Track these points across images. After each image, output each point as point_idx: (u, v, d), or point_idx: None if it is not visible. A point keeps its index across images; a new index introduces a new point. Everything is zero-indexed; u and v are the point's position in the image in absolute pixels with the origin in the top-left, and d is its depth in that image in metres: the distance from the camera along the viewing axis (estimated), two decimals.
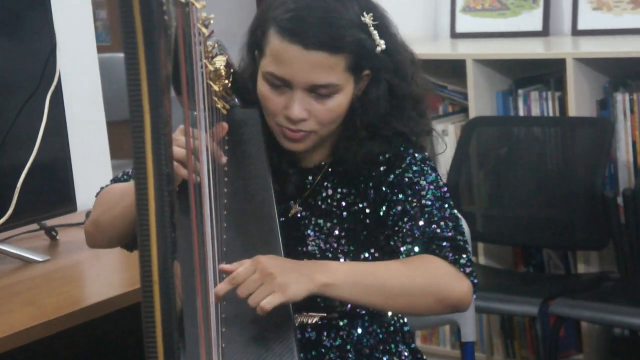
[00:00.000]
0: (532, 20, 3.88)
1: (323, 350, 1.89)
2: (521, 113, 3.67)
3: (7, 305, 2.19)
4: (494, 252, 3.72)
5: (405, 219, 1.82)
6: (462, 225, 1.86)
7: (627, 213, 3.23)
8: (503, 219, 3.57)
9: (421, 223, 1.81)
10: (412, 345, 1.97)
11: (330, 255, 1.88)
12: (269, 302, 1.64)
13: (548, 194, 3.46)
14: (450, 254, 1.78)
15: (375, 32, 1.82)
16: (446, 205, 1.84)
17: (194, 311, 1.60)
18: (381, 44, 1.82)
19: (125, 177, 1.98)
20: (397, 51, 1.87)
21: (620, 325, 3.28)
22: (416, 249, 1.79)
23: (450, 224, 1.82)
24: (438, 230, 1.80)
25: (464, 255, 1.79)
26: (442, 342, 3.86)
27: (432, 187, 1.85)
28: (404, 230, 1.82)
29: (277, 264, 1.68)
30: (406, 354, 1.95)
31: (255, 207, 1.85)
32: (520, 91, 3.67)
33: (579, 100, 3.45)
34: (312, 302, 1.82)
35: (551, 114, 3.61)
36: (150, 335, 1.30)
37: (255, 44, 1.86)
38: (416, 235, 1.80)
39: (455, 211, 1.86)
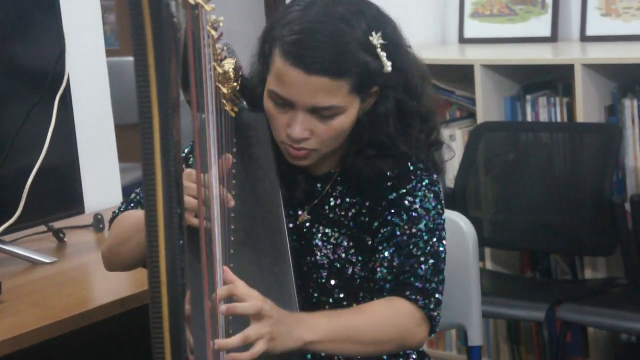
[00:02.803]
0: (541, 25, 3.88)
1: None
2: (529, 118, 3.67)
3: (15, 306, 2.19)
4: (501, 257, 3.72)
5: (390, 243, 1.85)
6: (442, 262, 1.87)
7: (634, 219, 3.22)
8: (510, 224, 3.56)
9: (404, 253, 1.84)
10: (420, 349, 1.97)
11: (338, 265, 1.89)
12: (255, 350, 1.65)
13: (556, 200, 3.46)
14: (420, 299, 1.82)
15: (382, 54, 1.79)
16: (434, 240, 1.86)
17: (201, 313, 1.61)
18: (387, 66, 1.80)
19: (138, 196, 1.98)
20: (408, 68, 1.86)
21: (627, 331, 3.28)
22: (389, 277, 1.83)
23: (431, 260, 1.84)
24: (415, 266, 1.83)
25: (432, 299, 1.84)
26: (448, 347, 3.86)
27: (428, 217, 1.86)
28: (385, 254, 1.85)
29: (274, 309, 1.68)
30: (414, 357, 1.95)
31: (263, 209, 1.85)
32: (528, 97, 3.67)
33: (587, 106, 3.45)
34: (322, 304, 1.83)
35: (559, 120, 3.61)
36: (158, 336, 1.30)
37: (264, 56, 1.85)
38: (394, 264, 1.84)
39: (444, 243, 1.87)
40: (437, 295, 1.84)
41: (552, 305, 3.16)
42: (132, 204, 1.98)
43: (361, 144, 1.86)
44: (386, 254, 1.84)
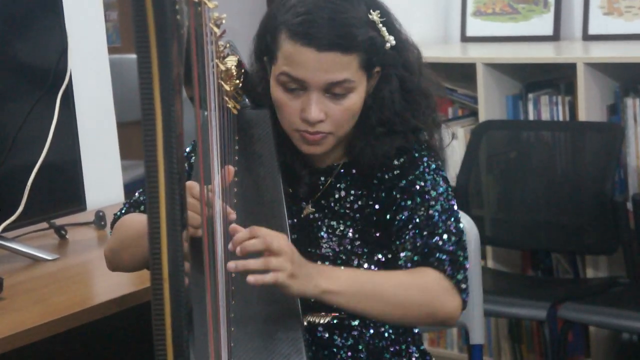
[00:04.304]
0: (543, 24, 3.88)
1: (335, 349, 1.89)
2: (531, 117, 3.67)
3: (17, 303, 2.20)
4: (502, 256, 3.72)
5: (410, 226, 1.85)
6: (465, 240, 1.87)
7: (636, 218, 3.22)
8: (512, 222, 3.56)
9: (425, 233, 1.84)
10: (422, 347, 1.97)
11: (344, 257, 1.89)
12: (273, 277, 1.64)
13: (557, 199, 3.46)
14: (448, 268, 1.82)
15: (384, 29, 1.84)
16: (452, 219, 1.86)
17: (203, 310, 1.61)
18: (391, 40, 1.84)
19: (142, 197, 1.98)
20: (404, 47, 1.90)
21: (628, 330, 3.28)
22: (415, 258, 1.83)
23: (453, 238, 1.85)
24: (440, 243, 1.83)
25: (461, 272, 1.83)
26: (449, 345, 3.86)
27: (441, 198, 1.87)
28: (407, 237, 1.84)
29: (294, 250, 1.68)
30: (416, 355, 1.95)
31: (264, 207, 1.86)
32: (530, 95, 3.67)
33: (589, 105, 3.45)
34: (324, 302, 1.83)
35: (561, 119, 3.61)
36: (160, 333, 1.30)
37: (265, 50, 1.86)
38: (417, 244, 1.83)
39: (461, 225, 1.88)
40: (465, 269, 1.83)
41: (554, 304, 3.16)
42: (134, 206, 1.98)
43: (368, 127, 1.88)
44: (407, 237, 1.84)
